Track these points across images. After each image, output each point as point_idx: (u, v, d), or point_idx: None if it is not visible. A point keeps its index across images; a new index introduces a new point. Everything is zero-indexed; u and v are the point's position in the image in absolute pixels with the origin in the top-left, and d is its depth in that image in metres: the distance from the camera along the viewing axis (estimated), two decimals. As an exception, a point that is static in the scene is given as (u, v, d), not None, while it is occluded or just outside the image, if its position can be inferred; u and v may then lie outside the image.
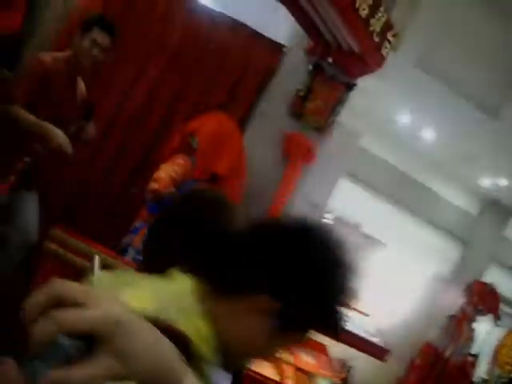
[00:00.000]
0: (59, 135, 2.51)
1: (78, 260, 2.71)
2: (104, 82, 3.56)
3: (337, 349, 4.28)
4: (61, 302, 0.46)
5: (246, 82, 3.75)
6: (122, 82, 3.65)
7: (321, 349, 4.24)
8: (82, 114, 2.87)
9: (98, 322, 0.45)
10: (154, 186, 3.13)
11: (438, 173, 5.83)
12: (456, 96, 4.13)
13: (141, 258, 3.07)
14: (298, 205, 3.66)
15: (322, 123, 3.53)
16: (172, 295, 0.80)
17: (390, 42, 3.19)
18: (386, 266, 4.99)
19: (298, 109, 3.48)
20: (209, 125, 3.20)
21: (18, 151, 2.70)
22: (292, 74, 3.57)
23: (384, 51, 3.20)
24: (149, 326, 0.50)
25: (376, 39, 3.09)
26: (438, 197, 6.07)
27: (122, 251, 3.18)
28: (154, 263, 1.16)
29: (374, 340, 4.11)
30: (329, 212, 4.40)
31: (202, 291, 0.84)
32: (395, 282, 5.38)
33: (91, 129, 2.89)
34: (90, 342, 0.45)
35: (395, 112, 4.83)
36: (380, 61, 3.33)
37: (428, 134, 4.98)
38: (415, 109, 4.63)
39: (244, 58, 3.74)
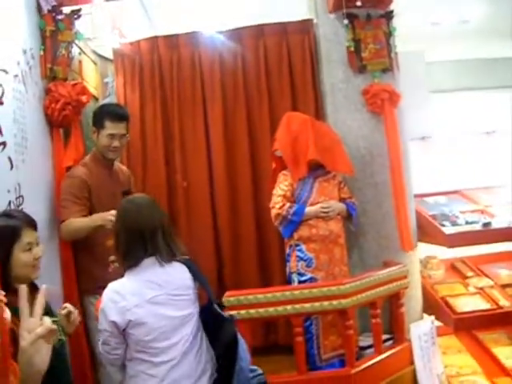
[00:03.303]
0: (98, 219, 2.56)
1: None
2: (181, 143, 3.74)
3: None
4: None
5: (298, 72, 3.71)
6: (199, 138, 3.76)
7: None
8: None
9: None
10: (273, 212, 3.25)
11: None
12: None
13: (304, 278, 3.14)
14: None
15: (386, 61, 3.40)
16: None
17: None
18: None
19: (358, 63, 3.38)
20: (280, 131, 3.28)
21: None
22: (333, 37, 3.49)
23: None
24: None
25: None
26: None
27: (288, 282, 3.24)
28: None
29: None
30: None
31: None
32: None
33: None
34: None
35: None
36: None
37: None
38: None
39: (283, 53, 3.71)
